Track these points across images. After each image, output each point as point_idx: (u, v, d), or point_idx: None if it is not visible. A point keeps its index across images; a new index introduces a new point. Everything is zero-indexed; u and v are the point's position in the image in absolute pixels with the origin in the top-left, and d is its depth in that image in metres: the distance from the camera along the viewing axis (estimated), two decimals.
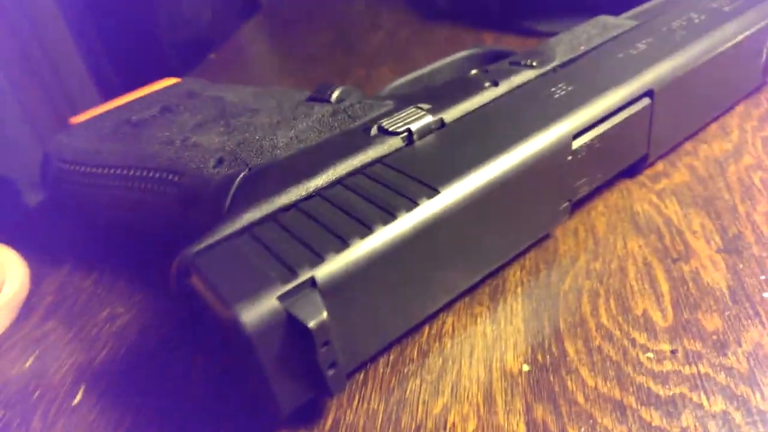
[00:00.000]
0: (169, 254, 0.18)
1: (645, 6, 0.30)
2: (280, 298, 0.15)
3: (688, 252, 0.21)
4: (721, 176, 0.25)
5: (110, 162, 0.26)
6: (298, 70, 0.48)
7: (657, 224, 0.23)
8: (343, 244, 0.17)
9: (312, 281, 0.16)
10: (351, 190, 0.19)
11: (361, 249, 0.17)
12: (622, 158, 0.24)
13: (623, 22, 0.28)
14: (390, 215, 0.18)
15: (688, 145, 0.27)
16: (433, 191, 0.18)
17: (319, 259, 0.16)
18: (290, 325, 0.15)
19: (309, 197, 0.20)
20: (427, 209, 0.18)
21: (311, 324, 0.15)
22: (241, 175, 0.22)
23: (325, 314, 0.15)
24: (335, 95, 0.25)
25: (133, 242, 0.28)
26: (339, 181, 0.20)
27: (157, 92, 0.31)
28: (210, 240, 0.18)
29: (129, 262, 0.27)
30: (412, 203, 0.18)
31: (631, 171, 0.25)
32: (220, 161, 0.23)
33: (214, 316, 0.16)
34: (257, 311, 0.15)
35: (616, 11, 0.41)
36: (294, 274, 0.16)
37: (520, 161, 0.20)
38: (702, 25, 0.26)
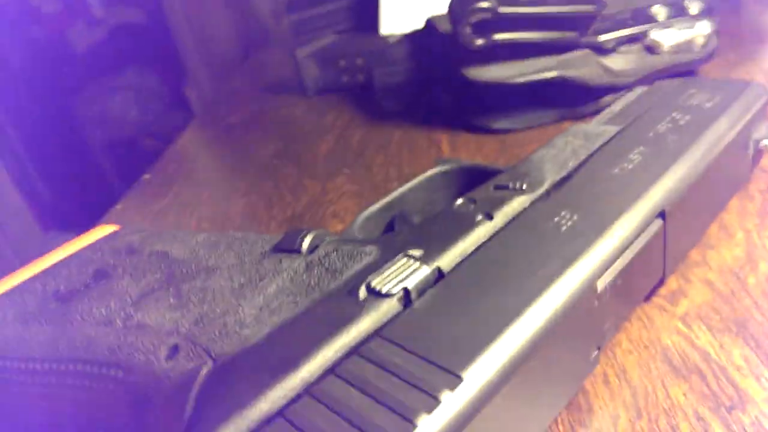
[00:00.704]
0: None
1: (615, 108, 0.29)
2: None
3: (741, 396, 0.18)
4: (743, 290, 0.22)
5: (36, 353, 0.21)
6: (246, 187, 0.45)
7: (695, 361, 0.20)
8: None
9: None
10: (349, 383, 0.15)
11: None
12: (643, 288, 0.21)
13: (603, 128, 0.26)
14: (407, 422, 0.14)
15: (695, 253, 0.25)
16: (454, 378, 0.15)
17: None
18: None
19: (296, 398, 0.15)
20: (452, 404, 0.14)
21: None
22: (204, 371, 0.17)
23: None
24: (306, 244, 0.22)
25: None
26: (332, 370, 0.16)
27: (88, 249, 0.26)
28: None
29: None
30: (433, 399, 0.14)
31: (647, 295, 0.23)
32: (175, 350, 0.18)
33: None
34: None
35: (573, 105, 0.40)
36: None
37: (547, 318, 0.16)
38: (690, 127, 0.24)
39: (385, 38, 0.60)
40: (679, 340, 0.21)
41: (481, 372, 0.15)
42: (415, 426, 0.14)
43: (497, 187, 0.23)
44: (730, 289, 0.23)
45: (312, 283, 0.20)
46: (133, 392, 0.18)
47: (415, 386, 0.15)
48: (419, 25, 0.47)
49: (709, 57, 0.41)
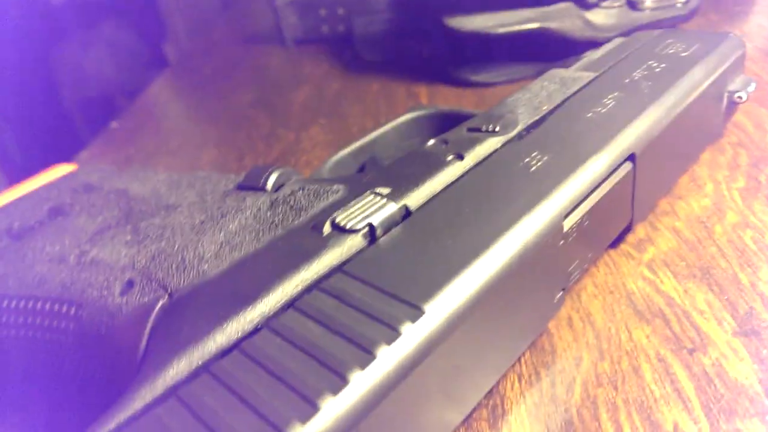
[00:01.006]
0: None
1: (593, 55, 0.28)
2: None
3: (703, 339, 0.18)
4: (710, 239, 0.22)
5: None
6: (218, 137, 0.43)
7: (659, 305, 0.20)
8: (312, 407, 0.12)
9: None
10: (309, 316, 0.15)
11: (334, 409, 0.12)
12: (610, 232, 0.21)
13: (580, 74, 0.25)
14: (367, 353, 0.13)
15: (664, 203, 0.25)
16: (416, 310, 0.14)
17: None
18: None
19: (254, 331, 0.15)
20: (413, 336, 0.14)
21: None
22: (159, 305, 0.17)
23: None
24: (271, 181, 0.21)
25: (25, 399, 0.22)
26: (291, 304, 0.16)
27: (45, 187, 0.25)
28: (122, 414, 0.13)
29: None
30: (393, 331, 0.14)
31: (614, 241, 0.22)
32: (130, 284, 0.18)
33: None
34: None
35: (553, 59, 0.39)
36: None
37: (512, 255, 0.16)
38: (665, 74, 0.24)
39: None
40: (644, 285, 0.21)
41: (443, 305, 0.15)
42: (374, 357, 0.13)
43: (470, 130, 0.22)
44: (697, 237, 0.23)
45: (276, 220, 0.19)
46: (86, 328, 0.18)
47: (376, 319, 0.14)
48: None
49: (690, 15, 0.40)
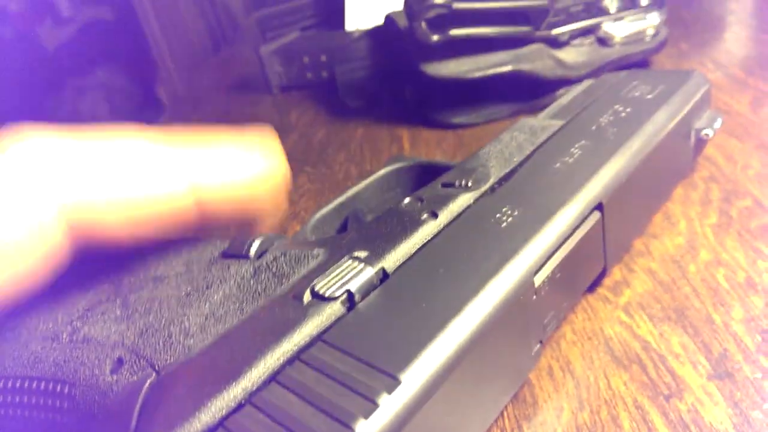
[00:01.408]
0: None
1: (562, 100, 0.29)
2: None
3: (678, 384, 0.19)
4: (683, 278, 0.23)
5: None
6: None
7: (635, 351, 0.20)
8: None
9: None
10: (290, 390, 0.15)
11: None
12: (583, 280, 0.22)
13: (548, 123, 0.26)
14: (346, 427, 0.14)
15: (638, 243, 0.25)
16: (392, 380, 0.15)
17: None
18: None
19: (238, 407, 0.16)
20: (390, 407, 0.14)
21: None
22: (147, 383, 0.17)
23: None
24: (254, 248, 0.22)
25: None
26: (273, 377, 0.16)
27: None
28: None
29: None
30: (370, 403, 0.14)
31: (591, 285, 0.23)
32: (120, 362, 0.18)
33: None
34: None
35: (528, 98, 0.41)
36: None
37: (485, 316, 0.17)
38: (631, 119, 0.25)
39: (348, 34, 0.60)
40: (621, 330, 0.21)
41: (418, 373, 0.15)
42: (353, 431, 0.14)
43: (444, 185, 0.23)
44: (671, 277, 0.23)
45: (259, 288, 0.20)
46: (79, 407, 0.18)
47: (353, 390, 0.15)
48: (381, 21, 0.47)
49: (660, 47, 0.41)
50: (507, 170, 0.23)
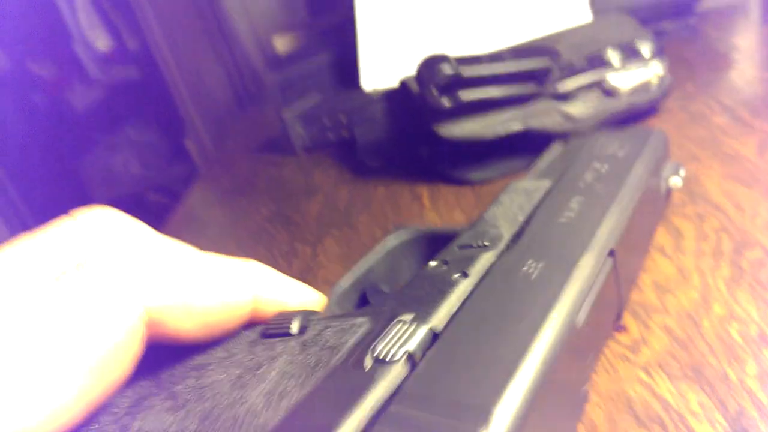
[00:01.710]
0: None
1: (541, 165, 0.32)
2: None
3: None
4: (699, 335, 0.24)
5: None
6: (239, 254, 0.47)
7: (656, 410, 0.21)
8: None
9: None
10: None
11: None
12: (608, 319, 0.24)
13: (537, 183, 0.29)
14: None
15: (654, 299, 0.26)
16: (484, 414, 0.15)
17: None
18: None
19: None
20: None
21: None
22: None
23: None
24: (296, 326, 0.23)
25: None
26: None
27: None
28: None
29: None
30: None
31: (611, 341, 0.24)
32: None
33: None
34: None
35: (540, 151, 0.42)
36: None
37: (547, 352, 0.18)
38: (612, 175, 0.27)
39: (365, 95, 0.63)
40: (641, 389, 0.22)
41: (508, 404, 0.16)
42: None
43: (461, 247, 0.25)
44: (687, 334, 0.24)
45: (312, 362, 0.20)
46: None
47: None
48: (396, 82, 0.50)
49: (665, 94, 0.43)
50: (516, 228, 0.25)
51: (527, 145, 0.42)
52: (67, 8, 2.05)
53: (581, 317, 0.20)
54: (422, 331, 0.19)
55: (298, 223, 0.49)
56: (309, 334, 0.21)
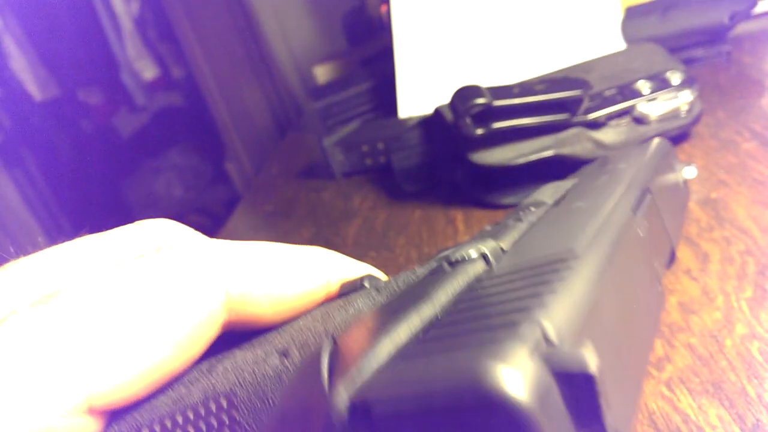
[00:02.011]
0: None
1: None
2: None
3: None
4: (720, 353, 0.25)
5: None
6: None
7: (677, 424, 0.23)
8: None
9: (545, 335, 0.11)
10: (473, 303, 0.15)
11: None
12: (664, 252, 0.23)
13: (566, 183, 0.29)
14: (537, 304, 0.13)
15: (680, 319, 0.28)
16: (572, 256, 0.15)
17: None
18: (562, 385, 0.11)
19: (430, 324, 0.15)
20: (585, 261, 0.15)
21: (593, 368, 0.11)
22: (327, 349, 0.15)
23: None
24: (367, 283, 0.21)
25: None
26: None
27: None
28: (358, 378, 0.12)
29: None
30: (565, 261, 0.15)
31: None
32: (284, 354, 0.18)
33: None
34: (522, 378, 0.10)
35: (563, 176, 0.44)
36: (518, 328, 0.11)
37: (621, 219, 0.18)
38: (624, 171, 0.27)
39: (402, 122, 0.66)
40: (663, 404, 0.24)
41: (592, 246, 0.15)
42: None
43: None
44: (709, 351, 0.25)
45: (391, 291, 0.20)
46: (253, 408, 0.17)
47: (539, 273, 0.15)
48: (431, 110, 0.52)
49: (695, 121, 0.44)
50: (557, 197, 0.25)
51: (558, 171, 0.44)
52: (115, 39, 2.17)
53: (640, 215, 0.20)
54: (493, 243, 0.19)
55: (337, 246, 0.51)
56: (378, 284, 0.21)
